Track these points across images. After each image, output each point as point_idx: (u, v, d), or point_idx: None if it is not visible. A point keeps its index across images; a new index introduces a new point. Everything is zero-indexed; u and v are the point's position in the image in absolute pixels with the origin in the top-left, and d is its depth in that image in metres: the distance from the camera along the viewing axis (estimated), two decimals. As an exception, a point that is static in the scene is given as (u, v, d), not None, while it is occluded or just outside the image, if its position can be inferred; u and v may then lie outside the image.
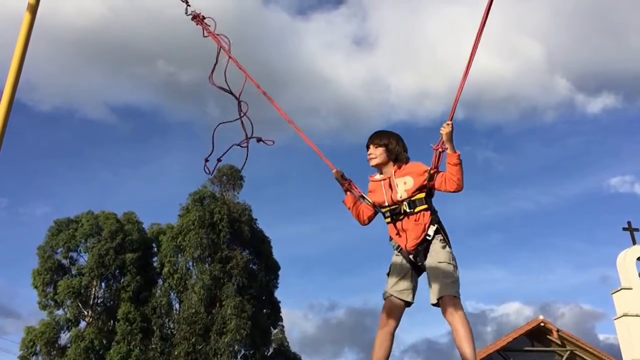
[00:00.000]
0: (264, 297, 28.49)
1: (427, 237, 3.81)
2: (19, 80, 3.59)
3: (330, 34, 65.23)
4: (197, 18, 4.42)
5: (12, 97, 3.53)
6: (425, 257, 3.81)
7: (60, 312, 26.63)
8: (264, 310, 28.34)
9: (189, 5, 4.43)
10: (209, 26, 4.42)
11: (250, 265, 28.21)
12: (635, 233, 18.36)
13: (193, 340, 25.28)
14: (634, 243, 18.18)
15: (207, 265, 26.85)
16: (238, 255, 27.28)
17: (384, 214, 3.99)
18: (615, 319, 17.59)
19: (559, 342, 20.05)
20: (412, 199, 3.88)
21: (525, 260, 63.10)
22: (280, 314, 29.79)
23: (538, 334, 20.13)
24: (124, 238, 27.21)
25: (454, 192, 3.83)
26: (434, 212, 3.89)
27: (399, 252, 3.92)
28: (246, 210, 28.86)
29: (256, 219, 29.50)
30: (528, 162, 61.01)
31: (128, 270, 26.87)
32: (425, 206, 3.87)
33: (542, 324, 19.93)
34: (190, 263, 27.29)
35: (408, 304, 3.88)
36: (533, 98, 57.75)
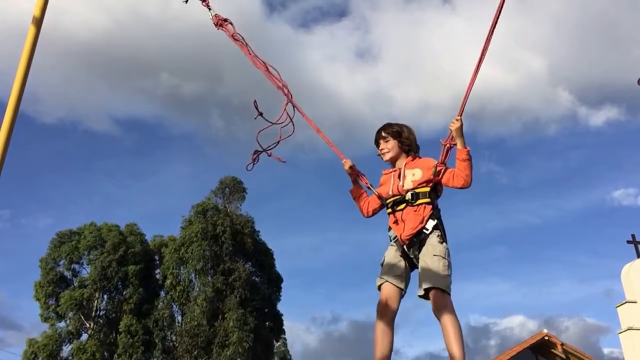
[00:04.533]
0: (266, 310, 28.41)
1: (425, 231, 3.74)
2: (24, 91, 3.61)
3: (333, 46, 65.58)
4: (218, 23, 4.42)
5: (16, 108, 3.55)
6: (419, 251, 3.73)
7: (62, 324, 26.63)
8: (267, 323, 28.25)
9: (210, 9, 4.41)
10: (230, 24, 4.42)
11: (253, 278, 28.17)
12: (639, 246, 18.28)
13: (195, 353, 25.18)
14: (638, 256, 18.09)
15: (209, 278, 26.82)
16: (240, 267, 27.24)
17: (387, 204, 3.94)
18: (619, 333, 17.46)
19: (563, 356, 19.87)
20: (416, 190, 3.84)
21: (529, 274, 62.79)
22: (283, 327, 29.74)
23: (542, 348, 19.96)
24: (126, 250, 27.21)
25: (461, 187, 3.79)
26: (435, 208, 3.83)
27: (394, 242, 3.87)
28: (249, 222, 28.87)
29: (259, 231, 29.57)
30: (531, 174, 60.94)
31: (130, 283, 26.85)
32: (427, 200, 3.81)
33: (546, 338, 19.76)
34: (193, 275, 27.27)
35: (402, 292, 3.79)
36: (535, 111, 57.86)
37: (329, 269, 61.34)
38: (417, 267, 3.76)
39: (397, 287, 3.76)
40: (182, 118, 53.55)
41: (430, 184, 3.84)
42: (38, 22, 3.76)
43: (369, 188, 4.08)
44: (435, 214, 3.81)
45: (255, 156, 4.20)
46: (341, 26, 67.61)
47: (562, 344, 19.87)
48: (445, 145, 3.85)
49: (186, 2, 4.43)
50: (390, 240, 3.91)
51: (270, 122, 4.09)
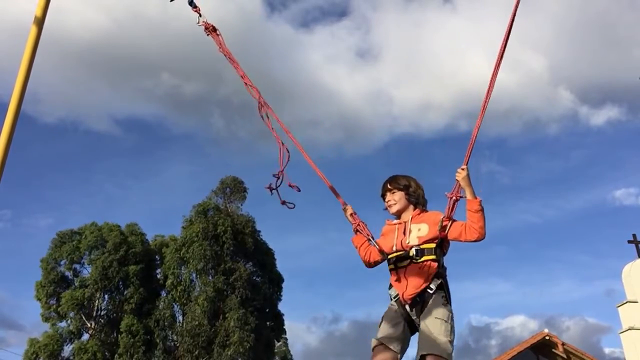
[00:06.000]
0: (267, 310, 28.41)
1: (429, 290, 3.49)
2: (25, 91, 3.62)
3: (334, 46, 65.64)
4: (208, 29, 4.38)
5: (18, 108, 3.55)
6: (421, 312, 3.49)
7: (63, 324, 26.62)
8: (268, 323, 28.24)
9: (201, 15, 4.40)
10: (219, 35, 4.34)
11: (254, 278, 28.16)
12: (640, 246, 18.25)
13: (196, 352, 25.18)
14: (639, 256, 18.08)
15: (210, 277, 26.82)
16: (241, 267, 27.24)
17: (389, 260, 3.69)
18: (620, 333, 17.44)
19: (564, 356, 19.86)
20: (421, 247, 3.59)
21: (530, 273, 62.84)
22: (284, 327, 29.74)
23: (543, 347, 19.94)
24: (127, 250, 27.21)
25: (475, 241, 3.54)
26: (441, 267, 3.59)
27: (395, 301, 3.62)
28: (250, 222, 28.85)
29: (260, 231, 29.54)
30: (532, 174, 61.00)
31: (131, 282, 26.85)
32: (433, 257, 3.56)
33: (547, 338, 19.75)
34: (194, 275, 27.26)
35: (398, 357, 3.48)
36: (536, 110, 57.93)
37: (329, 268, 61.43)
38: (418, 330, 3.52)
39: (393, 350, 3.48)
40: (183, 118, 53.70)
41: (436, 240, 3.60)
42: (39, 22, 3.77)
43: (370, 239, 3.84)
44: (441, 272, 3.57)
45: (272, 190, 4.10)
46: (342, 26, 67.78)
47: (563, 344, 19.85)
48: (451, 197, 3.58)
49: (172, 0, 4.42)
50: (391, 300, 3.67)
51: (281, 170, 4.10)
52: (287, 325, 30.11)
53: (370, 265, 3.86)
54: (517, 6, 3.64)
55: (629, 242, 18.40)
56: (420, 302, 3.50)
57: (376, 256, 3.80)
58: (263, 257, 28.90)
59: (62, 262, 27.54)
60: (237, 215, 28.90)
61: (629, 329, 17.05)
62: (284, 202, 4.14)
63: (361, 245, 3.89)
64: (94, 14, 48.47)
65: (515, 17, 3.62)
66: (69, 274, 27.65)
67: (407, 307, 3.55)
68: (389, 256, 3.69)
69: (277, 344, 30.67)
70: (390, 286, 3.68)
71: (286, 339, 32.46)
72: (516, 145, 61.46)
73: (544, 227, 60.70)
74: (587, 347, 23.18)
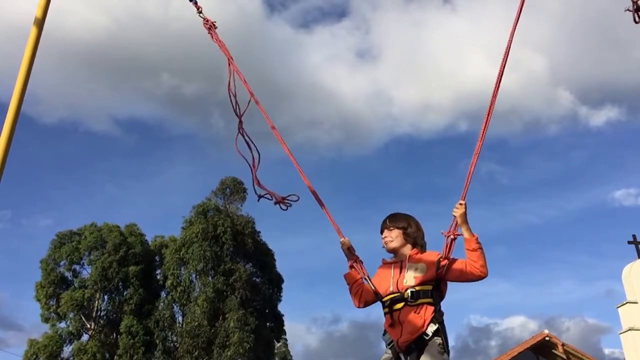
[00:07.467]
0: (267, 310, 28.40)
1: (425, 336, 3.32)
2: (25, 92, 3.62)
3: (334, 46, 65.62)
4: (212, 26, 4.34)
5: (18, 109, 3.55)
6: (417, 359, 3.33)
7: (62, 325, 26.65)
8: (267, 324, 28.25)
9: (201, 12, 4.38)
10: (216, 28, 4.32)
11: (254, 278, 28.16)
12: (640, 246, 18.24)
13: (196, 353, 25.18)
14: (639, 257, 18.07)
15: (210, 278, 26.81)
16: (241, 268, 27.23)
17: (383, 302, 3.52)
18: (620, 333, 17.44)
19: (564, 357, 19.85)
20: (417, 288, 3.42)
21: (530, 274, 62.85)
22: (284, 327, 29.77)
23: (543, 348, 19.94)
24: (127, 251, 27.22)
25: (477, 280, 3.41)
26: (438, 311, 3.42)
27: (390, 348, 3.46)
28: (249, 222, 28.85)
29: (259, 232, 29.56)
30: (532, 175, 60.95)
31: (131, 283, 26.85)
32: (429, 300, 3.41)
33: (547, 338, 19.75)
34: (194, 276, 27.27)
35: None
36: (536, 111, 57.92)
37: (329, 269, 61.32)
38: None
39: None
40: (183, 118, 53.66)
41: (433, 282, 3.45)
42: (40, 23, 3.77)
43: (366, 278, 3.68)
44: (438, 317, 3.40)
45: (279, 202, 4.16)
46: (341, 26, 67.76)
47: (563, 345, 19.85)
48: (448, 236, 3.44)
49: None
50: (386, 347, 3.50)
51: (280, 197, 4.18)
52: (287, 325, 30.17)
53: (360, 304, 3.72)
54: (518, 18, 3.64)
55: (629, 242, 18.39)
56: (415, 349, 3.34)
57: (368, 297, 3.66)
58: (263, 257, 28.90)
59: (62, 263, 27.56)
60: (237, 216, 28.90)
61: (629, 330, 17.04)
62: (282, 201, 4.20)
63: (354, 284, 3.74)
64: (94, 14, 48.44)
65: (517, 23, 3.63)
66: (68, 274, 27.67)
67: (401, 355, 3.39)
68: (384, 299, 3.52)
69: (277, 345, 30.68)
70: (385, 332, 3.52)
71: (286, 339, 32.53)
72: (516, 146, 61.44)
73: (544, 227, 60.70)
74: (587, 348, 23.22)
